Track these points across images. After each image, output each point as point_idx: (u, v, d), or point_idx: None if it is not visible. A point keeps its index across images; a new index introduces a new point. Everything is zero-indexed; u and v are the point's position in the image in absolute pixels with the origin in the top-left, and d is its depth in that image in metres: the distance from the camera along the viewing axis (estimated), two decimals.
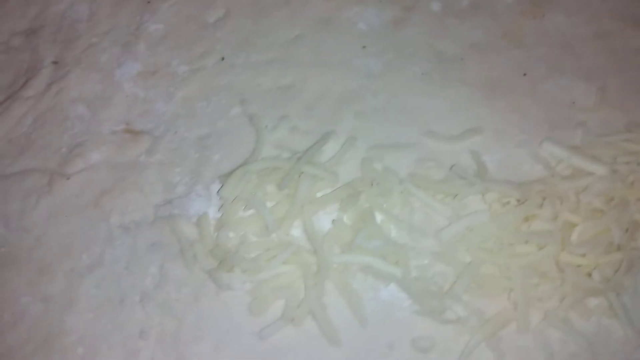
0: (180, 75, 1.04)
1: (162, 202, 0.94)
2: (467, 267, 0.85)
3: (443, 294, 0.85)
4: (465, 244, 0.87)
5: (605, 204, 0.87)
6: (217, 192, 0.92)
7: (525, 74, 1.01)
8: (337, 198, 0.90)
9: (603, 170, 0.89)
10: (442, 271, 0.87)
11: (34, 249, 0.93)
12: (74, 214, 0.95)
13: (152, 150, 0.98)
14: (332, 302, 0.86)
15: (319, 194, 0.92)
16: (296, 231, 0.90)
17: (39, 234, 0.94)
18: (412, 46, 1.04)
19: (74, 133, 1.01)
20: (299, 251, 0.87)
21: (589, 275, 0.84)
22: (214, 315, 0.86)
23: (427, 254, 0.88)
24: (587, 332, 0.83)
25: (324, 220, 0.91)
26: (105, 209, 0.94)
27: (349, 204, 0.88)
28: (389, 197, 0.90)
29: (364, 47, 1.04)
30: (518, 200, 0.89)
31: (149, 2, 1.11)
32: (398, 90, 1.00)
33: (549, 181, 0.89)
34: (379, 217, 0.90)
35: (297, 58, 1.04)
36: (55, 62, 1.07)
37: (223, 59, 1.05)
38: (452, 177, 0.92)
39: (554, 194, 0.88)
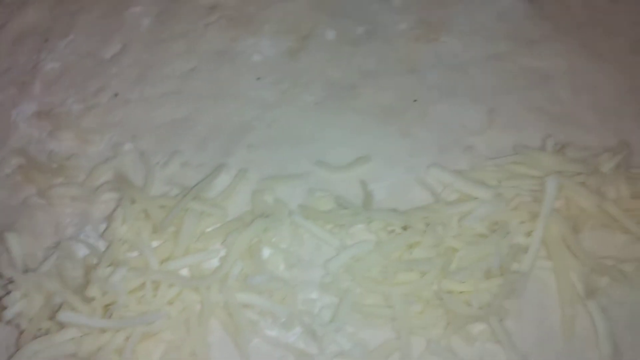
0: (75, 113, 1.04)
1: (52, 244, 0.94)
2: (347, 297, 0.85)
3: (326, 326, 0.85)
4: (352, 274, 0.87)
5: (488, 229, 0.88)
6: (101, 234, 0.92)
7: (416, 100, 1.01)
8: (223, 233, 0.90)
9: (487, 194, 0.89)
10: (332, 303, 0.88)
11: None
12: None
13: (44, 191, 0.97)
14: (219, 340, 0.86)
15: (209, 230, 0.92)
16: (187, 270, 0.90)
17: None
18: (306, 75, 1.05)
19: None
20: (184, 291, 0.87)
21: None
22: None
23: (315, 287, 0.88)
24: (471, 358, 0.84)
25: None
26: None
27: (233, 239, 0.88)
28: (278, 230, 0.90)
29: (258, 78, 1.05)
30: (404, 228, 0.89)
31: (46, 40, 1.11)
32: (291, 120, 1.01)
33: (433, 207, 0.90)
34: (267, 251, 0.90)
35: (192, 91, 1.05)
36: None
37: (117, 94, 1.05)
38: (338, 207, 0.92)
39: (437, 219, 0.88)
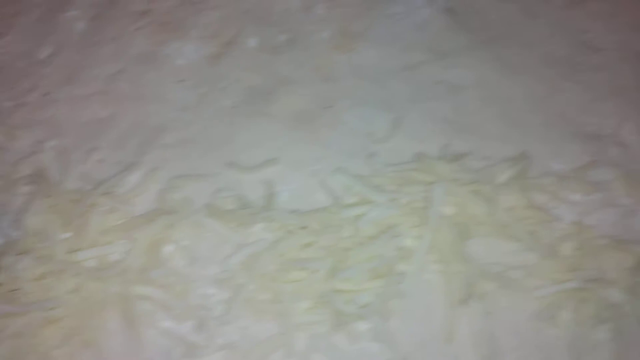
0: (3, 110, 1.09)
1: None
2: (240, 292, 0.89)
3: (217, 319, 0.89)
4: (248, 270, 0.91)
5: (380, 232, 0.92)
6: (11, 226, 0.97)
7: (328, 107, 1.05)
8: (128, 228, 0.94)
9: (382, 198, 0.93)
10: (227, 298, 0.92)
11: None
12: None
13: None
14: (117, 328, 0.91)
15: (116, 224, 0.96)
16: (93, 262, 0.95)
17: None
18: (226, 80, 1.10)
19: None
20: (86, 280, 0.91)
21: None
22: None
23: (213, 282, 0.93)
24: (351, 356, 0.87)
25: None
26: None
27: (136, 233, 0.93)
28: (181, 227, 0.95)
29: (180, 81, 1.10)
30: (302, 229, 0.93)
31: None
32: (207, 122, 1.06)
33: (331, 209, 0.94)
34: (170, 247, 0.94)
35: (117, 92, 1.10)
36: None
37: (46, 94, 1.10)
38: (241, 207, 0.96)
39: (333, 221, 0.92)
